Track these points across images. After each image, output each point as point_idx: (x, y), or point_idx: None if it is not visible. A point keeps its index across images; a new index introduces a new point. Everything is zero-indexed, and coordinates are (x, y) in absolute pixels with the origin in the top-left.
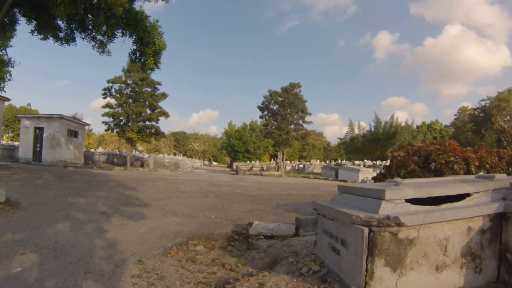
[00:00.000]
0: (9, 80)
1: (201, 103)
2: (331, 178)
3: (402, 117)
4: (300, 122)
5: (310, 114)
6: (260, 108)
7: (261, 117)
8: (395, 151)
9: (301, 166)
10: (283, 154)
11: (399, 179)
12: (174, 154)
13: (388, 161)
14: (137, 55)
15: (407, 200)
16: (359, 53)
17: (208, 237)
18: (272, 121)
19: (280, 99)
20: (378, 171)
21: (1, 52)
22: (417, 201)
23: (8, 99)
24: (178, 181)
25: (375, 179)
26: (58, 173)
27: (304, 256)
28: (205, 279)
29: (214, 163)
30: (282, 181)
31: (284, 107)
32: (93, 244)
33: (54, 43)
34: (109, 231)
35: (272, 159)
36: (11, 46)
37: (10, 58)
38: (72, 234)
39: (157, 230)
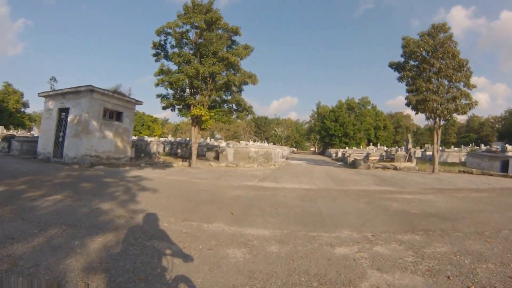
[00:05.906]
0: None
1: (280, 91)
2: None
3: (483, 99)
4: (460, 85)
5: (471, 72)
6: (397, 66)
7: (399, 79)
8: None
9: (428, 153)
10: (437, 135)
11: None
12: (254, 141)
13: None
14: None
15: None
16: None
17: None
18: (424, 84)
19: (429, 47)
20: None
21: None
22: None
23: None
24: (292, 195)
25: None
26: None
27: None
28: None
29: (294, 149)
30: (456, 182)
31: (437, 58)
32: None
33: None
34: None
35: (371, 144)
36: None
37: None
38: None
39: None
